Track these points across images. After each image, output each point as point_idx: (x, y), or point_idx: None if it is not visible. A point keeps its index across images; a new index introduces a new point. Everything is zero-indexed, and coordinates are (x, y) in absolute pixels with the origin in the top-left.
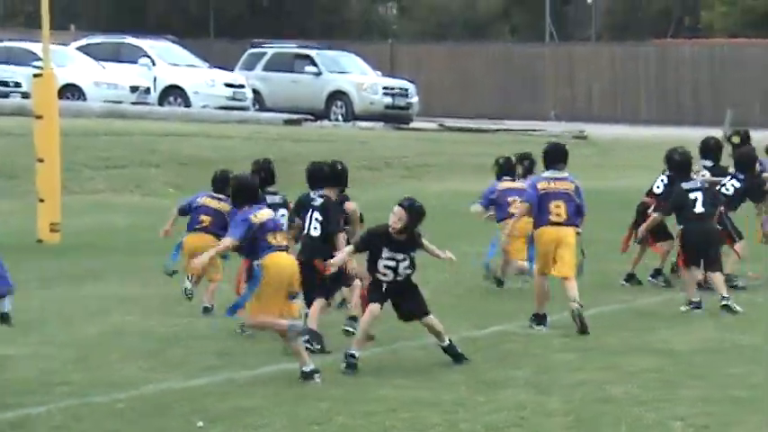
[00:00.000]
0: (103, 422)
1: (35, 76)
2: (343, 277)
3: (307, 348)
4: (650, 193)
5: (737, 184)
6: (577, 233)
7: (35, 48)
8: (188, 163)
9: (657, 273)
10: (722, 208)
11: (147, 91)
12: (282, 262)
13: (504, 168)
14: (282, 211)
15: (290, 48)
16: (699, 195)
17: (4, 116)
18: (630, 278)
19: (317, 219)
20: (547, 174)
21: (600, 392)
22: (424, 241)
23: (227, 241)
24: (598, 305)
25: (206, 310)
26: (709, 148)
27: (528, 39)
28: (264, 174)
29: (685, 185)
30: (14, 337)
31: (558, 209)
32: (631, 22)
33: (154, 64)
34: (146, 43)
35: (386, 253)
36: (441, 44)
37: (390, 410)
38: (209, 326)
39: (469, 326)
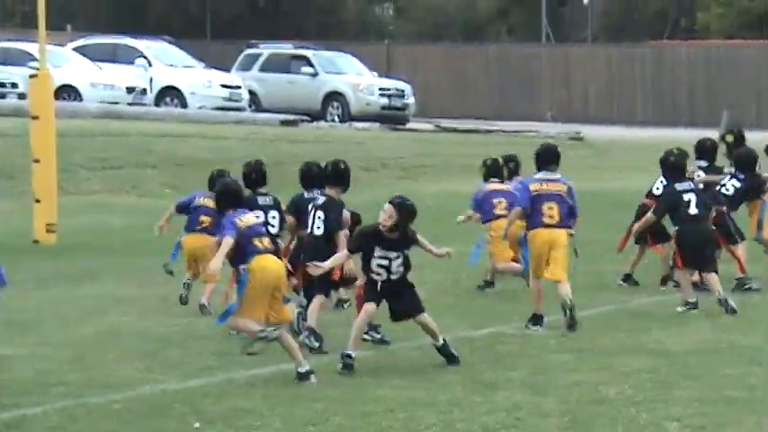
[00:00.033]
0: (100, 423)
1: (31, 76)
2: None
3: (306, 345)
4: (650, 194)
5: (738, 184)
6: (570, 235)
7: (31, 48)
8: (184, 164)
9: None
10: (724, 208)
11: (144, 92)
12: (269, 265)
13: (492, 170)
14: (273, 212)
15: (287, 48)
16: (692, 197)
17: (1, 117)
18: (628, 278)
19: (319, 218)
20: (539, 175)
21: (595, 393)
22: (420, 237)
23: (229, 240)
24: (593, 306)
25: (203, 308)
26: (705, 149)
27: (524, 39)
28: (255, 175)
29: (679, 187)
30: (11, 337)
31: (551, 210)
32: (628, 24)
33: (150, 65)
34: (142, 44)
35: (378, 252)
36: (437, 45)
37: (387, 411)
38: (206, 327)
39: (466, 326)
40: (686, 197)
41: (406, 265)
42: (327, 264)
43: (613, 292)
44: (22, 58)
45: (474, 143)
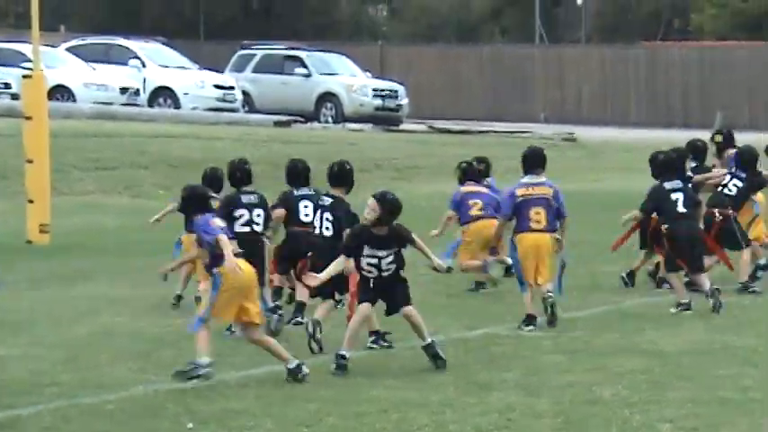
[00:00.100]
0: (93, 423)
1: (25, 77)
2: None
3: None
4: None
5: (739, 184)
6: (556, 239)
7: (25, 49)
8: (177, 165)
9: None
10: (730, 211)
11: (137, 92)
12: (234, 268)
13: (467, 173)
14: (258, 211)
15: (280, 49)
16: (680, 195)
17: None
18: (631, 276)
19: (327, 219)
20: (525, 179)
21: (589, 394)
22: (418, 240)
23: (225, 239)
24: (587, 307)
25: (198, 300)
26: (698, 150)
27: (518, 40)
28: (240, 174)
29: (667, 185)
30: (4, 337)
31: (538, 215)
32: (621, 25)
33: (144, 65)
34: (136, 45)
35: (367, 250)
36: (431, 46)
37: (380, 411)
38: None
39: (459, 327)
40: (674, 196)
41: (399, 262)
42: (324, 274)
43: (606, 292)
44: (15, 59)
45: (467, 144)
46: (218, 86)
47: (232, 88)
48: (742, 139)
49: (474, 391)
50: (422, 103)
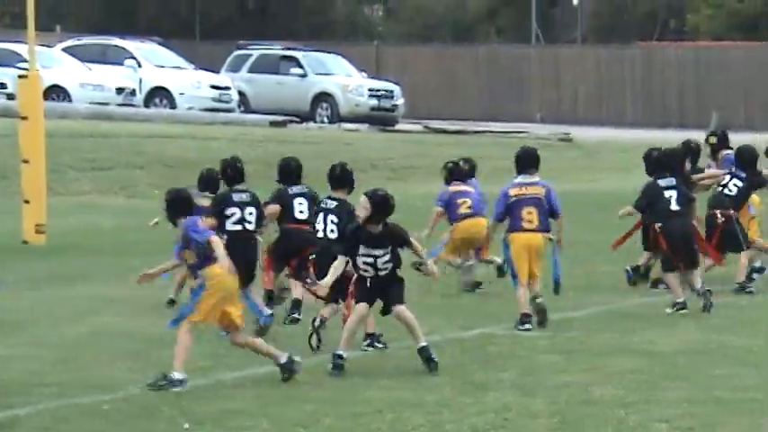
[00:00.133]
0: (90, 423)
1: (20, 77)
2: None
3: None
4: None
5: (740, 183)
6: (549, 239)
7: (21, 49)
8: (173, 165)
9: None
10: (731, 212)
11: (133, 92)
12: (225, 272)
13: (453, 172)
14: (251, 209)
15: (276, 49)
16: (673, 193)
17: None
18: (636, 270)
19: (332, 221)
20: (519, 179)
21: (585, 394)
22: (415, 242)
23: (218, 240)
24: (583, 307)
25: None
26: (692, 151)
27: (514, 40)
28: (232, 171)
29: (661, 182)
30: (1, 337)
31: (530, 215)
32: (617, 25)
33: (140, 66)
34: (131, 45)
35: (362, 249)
36: (426, 46)
37: (376, 412)
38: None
39: (455, 327)
40: (667, 193)
41: (395, 261)
42: (329, 278)
43: (602, 293)
44: (11, 59)
45: (462, 144)
46: (214, 87)
47: (228, 88)
48: (738, 139)
49: (470, 391)
50: (417, 103)
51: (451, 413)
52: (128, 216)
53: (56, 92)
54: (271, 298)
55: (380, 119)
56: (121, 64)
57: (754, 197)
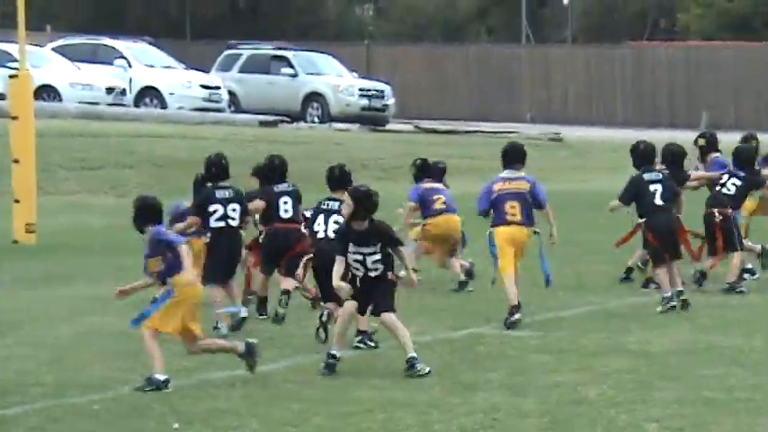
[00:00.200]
0: (79, 423)
1: (11, 76)
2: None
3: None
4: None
5: (738, 182)
6: (535, 232)
7: (11, 48)
8: (163, 164)
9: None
10: (730, 211)
11: (123, 92)
12: (192, 281)
13: (423, 170)
14: (234, 205)
15: (267, 49)
16: (659, 187)
17: None
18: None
19: (336, 222)
20: (504, 174)
21: (575, 394)
22: (402, 246)
23: (187, 249)
24: (573, 307)
25: None
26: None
27: (504, 40)
28: (216, 169)
29: (647, 176)
30: None
31: (513, 209)
32: (607, 25)
33: (130, 65)
34: (122, 45)
35: (352, 247)
36: (417, 46)
37: (366, 411)
38: None
39: (445, 327)
40: (652, 187)
41: (387, 263)
42: (337, 279)
43: (593, 292)
44: (1, 59)
45: (453, 144)
46: (204, 86)
47: (218, 88)
48: (728, 139)
49: (459, 392)
50: (408, 102)
51: (441, 413)
52: (117, 215)
53: (46, 91)
54: (263, 303)
55: (371, 119)
56: (111, 64)
57: (747, 203)
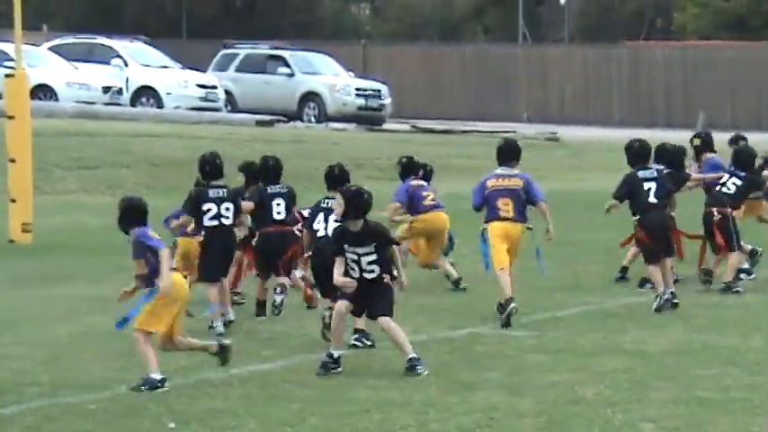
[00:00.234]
0: (75, 423)
1: (7, 76)
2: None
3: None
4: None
5: (738, 182)
6: (528, 228)
7: (7, 48)
8: (160, 164)
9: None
10: (729, 210)
11: (120, 92)
12: (177, 281)
13: (408, 168)
14: (227, 204)
15: (263, 49)
16: (653, 185)
17: None
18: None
19: (336, 221)
20: (498, 171)
21: (571, 394)
22: (396, 249)
23: (168, 253)
24: (569, 307)
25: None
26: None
27: (501, 40)
28: (209, 167)
29: (641, 174)
30: None
31: (506, 206)
32: (604, 24)
33: (126, 65)
34: (118, 44)
35: (347, 248)
36: (413, 45)
37: (363, 411)
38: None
39: (443, 327)
40: (646, 185)
41: (383, 266)
42: (345, 280)
43: (589, 292)
44: None
45: (450, 144)
46: (200, 86)
47: (215, 87)
48: (725, 139)
49: (457, 391)
50: (405, 102)
51: (438, 413)
52: (114, 215)
53: (42, 91)
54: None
55: (368, 118)
56: (108, 63)
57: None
